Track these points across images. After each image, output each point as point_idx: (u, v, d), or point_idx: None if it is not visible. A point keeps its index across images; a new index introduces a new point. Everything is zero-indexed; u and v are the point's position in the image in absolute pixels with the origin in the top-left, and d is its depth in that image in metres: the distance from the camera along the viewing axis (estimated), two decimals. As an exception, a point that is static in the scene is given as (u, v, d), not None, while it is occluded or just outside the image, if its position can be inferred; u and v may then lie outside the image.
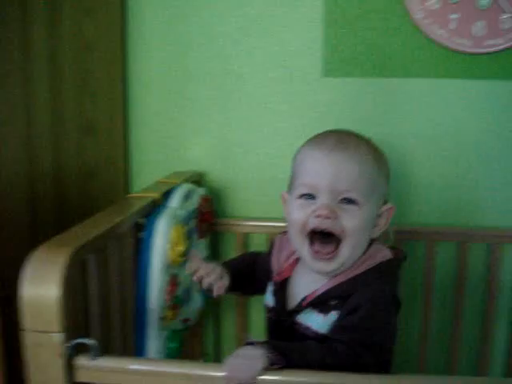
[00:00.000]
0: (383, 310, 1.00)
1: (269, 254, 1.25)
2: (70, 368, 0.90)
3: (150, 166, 1.72)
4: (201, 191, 1.49)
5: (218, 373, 0.87)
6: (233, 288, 1.20)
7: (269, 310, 1.16)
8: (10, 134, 1.17)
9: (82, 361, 0.90)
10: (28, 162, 1.24)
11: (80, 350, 0.92)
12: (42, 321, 0.89)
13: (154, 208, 1.28)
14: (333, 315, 1.02)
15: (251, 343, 0.90)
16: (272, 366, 0.86)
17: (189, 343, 1.57)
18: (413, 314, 1.68)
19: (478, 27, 1.56)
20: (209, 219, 1.54)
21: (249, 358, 0.86)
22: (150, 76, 1.69)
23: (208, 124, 1.69)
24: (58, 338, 0.89)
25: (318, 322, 1.03)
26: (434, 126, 1.62)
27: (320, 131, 1.60)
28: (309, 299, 1.05)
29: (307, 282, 1.09)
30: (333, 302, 1.03)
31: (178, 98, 1.69)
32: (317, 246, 1.04)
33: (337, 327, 1.00)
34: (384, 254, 1.09)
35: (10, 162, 1.17)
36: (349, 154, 1.04)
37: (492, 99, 1.60)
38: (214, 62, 1.66)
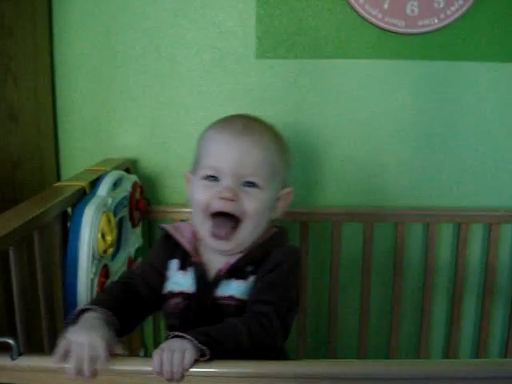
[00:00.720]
0: (296, 268, 1.09)
1: (159, 250, 1.15)
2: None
3: (79, 153, 1.65)
4: (132, 178, 1.45)
5: (146, 367, 0.83)
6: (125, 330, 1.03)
7: (186, 297, 1.07)
8: None
9: (2, 361, 0.85)
10: None
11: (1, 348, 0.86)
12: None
13: (82, 196, 1.23)
14: (251, 281, 1.05)
15: (177, 336, 0.86)
16: (201, 358, 0.83)
17: (127, 336, 1.52)
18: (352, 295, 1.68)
19: (412, 7, 1.56)
20: (141, 207, 1.50)
21: (177, 351, 0.82)
22: (78, 60, 1.62)
23: (139, 109, 1.63)
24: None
25: (239, 288, 1.05)
26: (369, 106, 1.62)
27: (254, 114, 1.60)
28: (224, 269, 1.06)
29: (218, 257, 1.09)
30: (249, 268, 1.07)
31: (108, 83, 1.63)
32: (216, 228, 1.06)
33: (257, 289, 1.03)
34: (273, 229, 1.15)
35: None
36: (254, 140, 1.06)
37: (426, 79, 1.61)
38: (144, 43, 1.61)
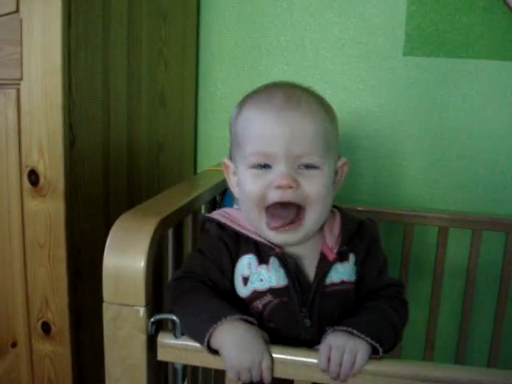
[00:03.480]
0: None
1: (218, 245, 0.94)
2: (152, 345, 0.86)
3: (217, 142, 1.66)
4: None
5: (312, 359, 0.81)
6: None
7: (278, 293, 0.92)
8: (88, 101, 1.12)
9: (166, 339, 0.85)
10: (104, 131, 1.19)
11: (159, 327, 0.87)
12: (126, 293, 0.84)
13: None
14: (351, 260, 0.97)
15: (344, 330, 0.83)
16: (373, 355, 0.80)
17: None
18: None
19: None
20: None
21: (347, 352, 0.79)
22: (222, 50, 1.64)
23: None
24: (141, 312, 0.84)
25: (347, 271, 0.95)
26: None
27: (397, 113, 1.56)
28: (329, 253, 0.93)
29: (308, 243, 0.95)
30: (345, 247, 0.95)
31: (251, 73, 1.63)
32: (275, 221, 0.90)
33: (377, 271, 0.99)
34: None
35: (87, 131, 1.12)
36: (303, 113, 0.90)
37: None
38: (289, 36, 1.60)
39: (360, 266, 0.97)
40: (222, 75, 1.64)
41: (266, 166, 0.90)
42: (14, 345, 1.16)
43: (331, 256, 0.93)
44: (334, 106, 1.56)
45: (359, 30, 1.56)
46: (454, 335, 1.57)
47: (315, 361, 0.80)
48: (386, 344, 0.83)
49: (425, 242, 1.60)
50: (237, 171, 0.96)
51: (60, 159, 1.05)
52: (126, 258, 0.84)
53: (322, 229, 0.96)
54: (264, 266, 0.92)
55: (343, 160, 0.99)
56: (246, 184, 0.92)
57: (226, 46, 1.63)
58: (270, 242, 0.92)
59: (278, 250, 0.91)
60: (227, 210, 1.00)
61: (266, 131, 0.89)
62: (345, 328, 0.82)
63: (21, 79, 1.04)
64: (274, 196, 0.89)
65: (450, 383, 0.78)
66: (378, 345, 0.79)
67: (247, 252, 0.93)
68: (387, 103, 1.57)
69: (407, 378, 0.79)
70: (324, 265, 0.93)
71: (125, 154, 1.28)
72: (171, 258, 1.02)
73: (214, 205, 1.22)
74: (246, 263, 0.92)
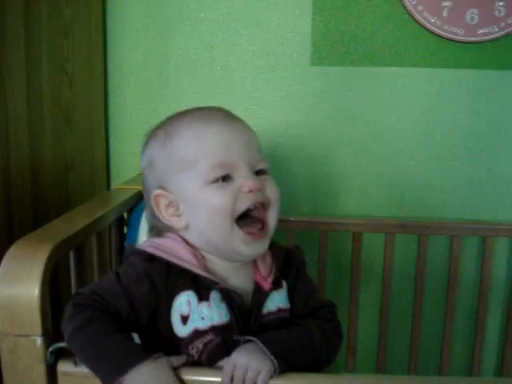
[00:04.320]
0: None
1: (147, 281, 0.86)
2: (52, 374, 0.83)
3: (130, 158, 1.64)
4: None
5: (215, 378, 0.80)
6: None
7: (220, 331, 0.87)
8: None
9: (66, 367, 0.83)
10: (3, 153, 1.15)
11: (59, 355, 0.85)
12: (21, 323, 0.81)
13: (139, 201, 1.21)
14: (285, 287, 0.96)
15: (251, 342, 0.83)
16: (275, 374, 0.80)
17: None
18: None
19: (472, 15, 1.52)
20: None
21: (250, 371, 0.78)
22: (131, 64, 1.61)
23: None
24: (39, 341, 0.82)
25: (282, 298, 0.95)
26: (425, 115, 1.58)
27: (308, 121, 1.58)
28: (264, 283, 0.92)
29: (236, 272, 0.93)
30: (278, 274, 0.95)
31: (160, 88, 1.62)
32: (248, 228, 0.89)
33: (307, 294, 0.99)
34: None
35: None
36: (243, 123, 0.94)
37: (484, 89, 1.56)
38: (198, 49, 1.59)
39: (291, 292, 0.97)
40: (131, 91, 1.62)
41: (226, 178, 0.88)
42: None
43: (266, 285, 0.92)
44: (247, 117, 1.58)
45: (266, 42, 1.57)
46: (373, 339, 1.60)
47: (218, 379, 0.80)
48: (294, 362, 0.83)
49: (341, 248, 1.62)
50: (181, 198, 0.91)
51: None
52: (19, 286, 0.81)
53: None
54: (205, 303, 0.87)
55: None
56: (211, 200, 0.87)
57: (134, 61, 1.61)
58: (211, 276, 0.87)
59: (221, 283, 0.87)
60: (158, 240, 0.92)
61: (223, 142, 0.89)
62: (253, 339, 0.83)
63: None
64: (246, 202, 0.87)
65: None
66: (277, 361, 0.79)
67: (185, 288, 0.87)
68: (297, 113, 1.59)
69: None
70: (260, 295, 0.92)
71: (28, 178, 1.24)
72: (73, 280, 0.99)
73: (121, 223, 1.20)
74: (185, 301, 0.86)
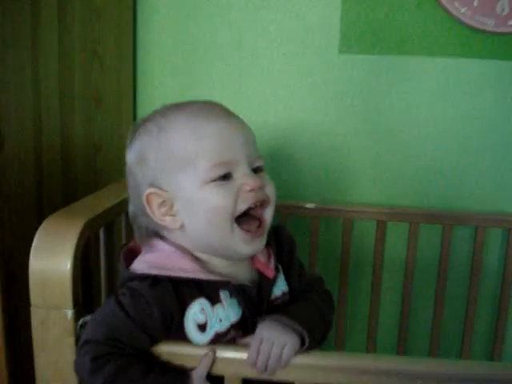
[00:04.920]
0: None
1: (157, 305, 0.83)
2: (81, 347, 0.85)
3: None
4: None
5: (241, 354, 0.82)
6: None
7: (238, 326, 0.89)
8: (18, 102, 1.10)
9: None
10: (35, 133, 1.18)
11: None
12: (53, 297, 0.84)
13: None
14: (281, 270, 0.98)
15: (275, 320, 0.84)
16: (302, 348, 0.81)
17: None
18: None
19: (502, 5, 1.51)
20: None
21: (276, 345, 0.80)
22: (161, 49, 1.62)
23: (219, 99, 1.61)
24: (69, 314, 0.84)
25: (282, 282, 0.97)
26: (452, 106, 1.57)
27: (335, 108, 1.58)
28: (267, 270, 0.92)
29: (238, 265, 0.93)
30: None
31: (188, 73, 1.63)
32: (246, 226, 0.87)
33: (297, 278, 1.00)
34: None
35: (16, 133, 1.11)
36: (240, 119, 0.92)
37: (512, 80, 1.56)
38: (226, 35, 1.60)
39: (286, 273, 0.98)
40: (160, 75, 1.63)
41: (226, 176, 0.85)
42: None
43: (271, 273, 0.92)
44: (273, 104, 1.60)
45: (295, 28, 1.57)
46: (395, 327, 1.60)
47: (244, 356, 0.81)
48: (316, 334, 0.85)
49: (364, 236, 1.63)
50: (177, 196, 0.87)
51: (-11, 163, 1.04)
52: (52, 260, 0.84)
53: None
54: (219, 306, 0.87)
55: None
56: (211, 200, 0.85)
57: (163, 44, 1.62)
58: (219, 277, 0.87)
59: (232, 281, 0.87)
60: (153, 258, 0.89)
61: (223, 139, 0.86)
62: (276, 317, 0.84)
63: None
64: (248, 201, 0.86)
65: (376, 373, 0.80)
66: (306, 332, 0.81)
67: (195, 297, 0.86)
68: (324, 100, 1.59)
69: (333, 369, 0.80)
70: (266, 283, 0.92)
71: (58, 157, 1.26)
72: (103, 257, 1.02)
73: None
74: (199, 309, 0.86)
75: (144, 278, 0.85)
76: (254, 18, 1.58)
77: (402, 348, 1.58)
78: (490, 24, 1.52)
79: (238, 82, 1.61)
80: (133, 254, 0.92)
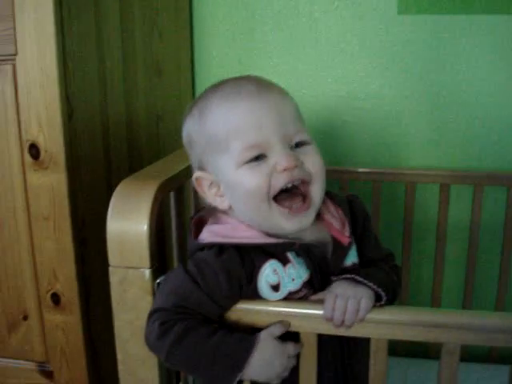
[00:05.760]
0: None
1: (228, 272, 0.85)
2: (159, 305, 0.87)
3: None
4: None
5: (316, 311, 0.83)
6: None
7: (310, 285, 0.90)
8: (84, 72, 1.13)
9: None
10: (101, 102, 1.20)
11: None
12: (131, 256, 0.86)
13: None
14: (353, 241, 0.95)
15: (348, 278, 0.85)
16: (377, 303, 0.82)
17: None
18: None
19: None
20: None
21: (352, 299, 0.81)
22: (217, 17, 1.63)
23: (277, 67, 1.62)
24: (147, 274, 0.86)
25: (354, 253, 0.95)
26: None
27: (394, 72, 1.56)
28: (342, 237, 0.92)
29: (307, 232, 0.91)
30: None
31: (245, 40, 1.63)
32: (287, 203, 0.87)
33: (373, 247, 1.00)
34: None
35: (84, 102, 1.13)
36: (277, 93, 0.89)
37: None
38: (282, 1, 1.59)
39: (359, 244, 0.97)
40: (216, 43, 1.64)
41: (260, 157, 0.85)
42: (25, 318, 1.19)
43: (345, 240, 0.92)
44: (331, 68, 1.59)
45: (352, -9, 1.55)
46: (460, 292, 1.58)
47: (320, 312, 0.82)
48: (387, 294, 0.84)
49: (427, 200, 1.61)
50: (220, 179, 0.90)
51: (59, 132, 1.06)
52: (128, 221, 0.86)
53: (319, 215, 0.93)
54: (289, 265, 0.88)
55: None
56: (245, 182, 0.85)
57: (219, 13, 1.62)
58: (284, 240, 0.88)
59: (297, 242, 0.88)
60: (218, 229, 0.91)
61: (253, 120, 0.85)
62: (349, 276, 0.84)
63: (16, 54, 1.04)
64: (282, 180, 0.85)
65: (452, 327, 0.80)
66: (380, 290, 0.81)
67: (265, 260, 0.87)
68: (383, 63, 1.57)
69: (410, 324, 0.80)
70: (341, 250, 0.92)
71: (123, 125, 1.28)
72: (174, 220, 1.04)
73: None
74: (271, 270, 0.87)
75: (211, 247, 0.87)
76: (309, -18, 1.57)
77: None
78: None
79: (295, 48, 1.60)
80: (202, 224, 0.94)
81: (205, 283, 0.83)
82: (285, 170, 0.84)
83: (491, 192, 1.56)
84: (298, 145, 0.88)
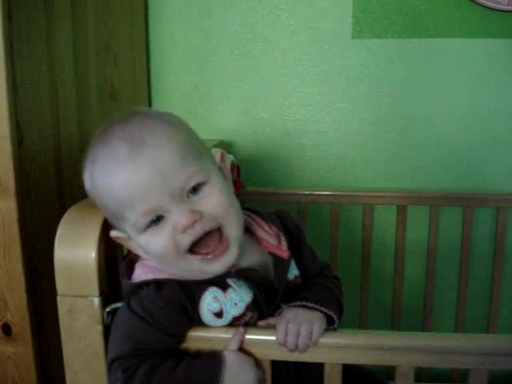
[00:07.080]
0: None
1: (171, 304, 0.84)
2: (109, 335, 0.85)
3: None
4: (230, 158, 1.44)
5: (269, 337, 0.82)
6: None
7: (253, 307, 0.88)
8: (36, 96, 1.10)
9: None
10: (53, 127, 1.18)
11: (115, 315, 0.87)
12: (79, 285, 0.84)
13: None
14: (290, 254, 0.94)
15: (298, 305, 0.85)
16: (329, 327, 0.81)
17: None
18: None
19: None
20: (238, 188, 1.48)
21: (304, 323, 0.80)
22: (172, 40, 1.63)
23: (233, 90, 1.63)
24: (96, 302, 0.84)
25: (294, 266, 0.95)
26: (469, 86, 1.56)
27: (349, 96, 1.58)
28: (281, 252, 0.91)
29: (245, 255, 0.91)
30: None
31: (202, 64, 1.63)
32: (203, 250, 0.83)
33: (311, 261, 0.99)
34: None
35: (35, 128, 1.11)
36: (152, 148, 0.79)
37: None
38: (238, 25, 1.60)
39: (296, 257, 0.97)
40: (173, 68, 1.64)
41: (159, 218, 0.81)
42: (-25, 349, 1.15)
43: (285, 254, 0.91)
44: (288, 92, 1.60)
45: (307, 16, 1.57)
46: (419, 312, 1.59)
47: (272, 337, 0.81)
48: (339, 316, 0.84)
49: (385, 221, 1.62)
50: (131, 236, 0.86)
51: (9, 158, 1.03)
52: (76, 249, 0.84)
53: (253, 235, 0.93)
54: (230, 290, 0.86)
55: (218, 153, 0.95)
56: (152, 246, 0.82)
57: (175, 37, 1.62)
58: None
59: (233, 269, 0.86)
60: (146, 263, 0.88)
61: (136, 188, 0.79)
62: (299, 303, 0.84)
63: (-40, 78, 1.02)
64: (187, 240, 0.81)
65: (404, 349, 0.80)
66: (332, 313, 0.81)
67: (205, 288, 0.86)
68: (339, 86, 1.59)
69: (363, 348, 0.80)
70: (281, 265, 0.91)
71: (77, 150, 1.26)
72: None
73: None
74: (212, 298, 0.85)
75: (148, 284, 0.85)
76: (265, 6, 1.58)
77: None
78: (503, 2, 1.51)
79: (251, 72, 1.61)
80: (133, 263, 0.91)
81: (154, 321, 0.81)
82: (185, 229, 0.80)
83: (447, 212, 1.57)
84: (195, 189, 0.82)
